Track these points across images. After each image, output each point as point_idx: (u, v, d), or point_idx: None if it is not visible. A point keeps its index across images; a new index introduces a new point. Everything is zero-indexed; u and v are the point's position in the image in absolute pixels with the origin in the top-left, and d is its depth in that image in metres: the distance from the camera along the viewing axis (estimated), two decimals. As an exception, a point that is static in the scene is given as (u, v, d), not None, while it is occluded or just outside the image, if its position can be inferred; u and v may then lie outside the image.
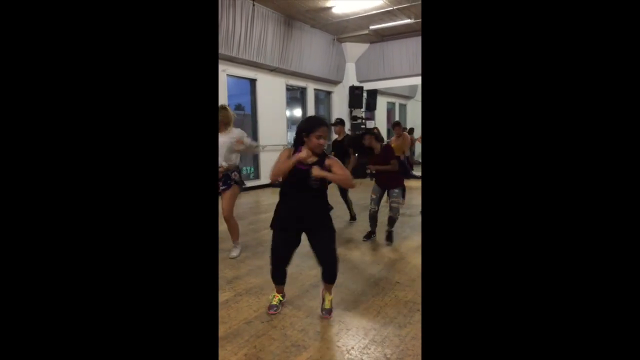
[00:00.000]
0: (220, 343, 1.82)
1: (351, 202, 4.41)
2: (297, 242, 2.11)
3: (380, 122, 9.92)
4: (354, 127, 8.74)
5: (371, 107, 9.23)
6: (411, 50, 8.44)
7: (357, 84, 9.23)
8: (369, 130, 3.59)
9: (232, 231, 3.13)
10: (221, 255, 3.19)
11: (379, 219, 3.60)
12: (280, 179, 2.03)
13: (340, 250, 3.32)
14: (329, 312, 2.11)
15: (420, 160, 6.24)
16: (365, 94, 9.11)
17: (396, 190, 3.43)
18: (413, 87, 11.18)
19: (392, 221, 3.49)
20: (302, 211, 2.02)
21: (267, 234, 2.28)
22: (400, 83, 9.14)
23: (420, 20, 6.98)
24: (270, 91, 7.59)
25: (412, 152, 6.34)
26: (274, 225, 2.09)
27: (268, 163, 6.05)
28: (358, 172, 5.61)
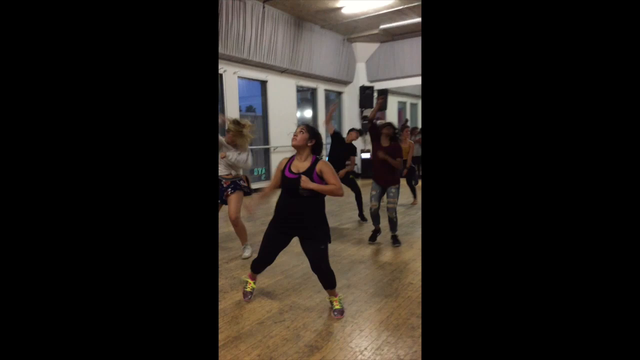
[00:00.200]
0: (234, 343, 1.83)
1: (362, 199, 4.44)
2: (285, 243, 2.16)
3: (391, 122, 9.84)
4: (364, 127, 8.71)
5: (382, 106, 9.17)
6: (422, 49, 8.36)
7: (367, 83, 9.20)
8: (390, 124, 3.55)
9: (240, 234, 3.17)
10: (232, 255, 3.22)
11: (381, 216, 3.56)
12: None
13: (351, 251, 3.33)
14: (341, 312, 2.11)
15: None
16: (375, 94, 9.07)
17: (393, 190, 3.41)
18: (424, 86, 11.07)
19: (393, 224, 3.44)
20: (294, 216, 2.04)
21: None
22: (411, 82, 9.07)
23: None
24: (281, 92, 7.62)
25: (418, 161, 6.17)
26: (270, 222, 2.17)
27: (279, 164, 6.07)
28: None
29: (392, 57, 8.93)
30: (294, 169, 2.02)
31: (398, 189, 3.46)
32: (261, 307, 2.24)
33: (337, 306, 2.12)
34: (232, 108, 6.47)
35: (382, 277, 2.69)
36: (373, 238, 3.58)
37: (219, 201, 3.13)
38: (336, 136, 4.55)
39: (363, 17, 7.25)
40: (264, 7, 6.47)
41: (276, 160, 7.40)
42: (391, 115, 10.32)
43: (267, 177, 7.60)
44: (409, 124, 7.29)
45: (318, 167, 1.98)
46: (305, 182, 1.91)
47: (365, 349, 1.77)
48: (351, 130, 4.68)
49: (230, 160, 3.02)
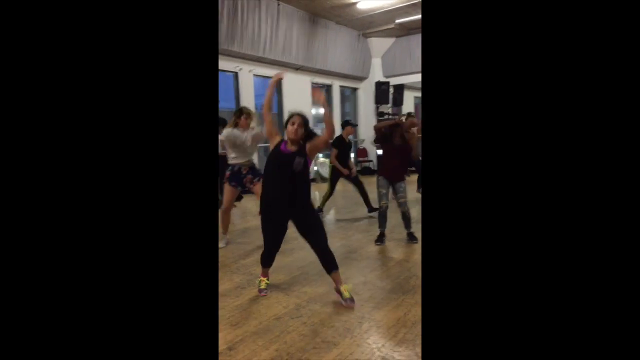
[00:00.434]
0: (251, 338, 1.85)
1: (367, 193, 4.46)
2: (285, 228, 2.26)
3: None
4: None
5: (398, 102, 9.08)
6: (439, 42, 8.22)
7: (383, 79, 9.10)
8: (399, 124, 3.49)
9: None
10: (249, 251, 3.26)
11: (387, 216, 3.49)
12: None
13: (367, 248, 3.31)
14: (351, 300, 2.14)
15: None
16: (391, 89, 8.98)
17: (402, 185, 3.37)
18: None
19: (407, 220, 3.37)
20: (286, 198, 2.14)
21: (294, 231, 2.30)
22: (427, 77, 8.92)
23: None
24: (296, 90, 7.63)
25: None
26: (261, 212, 2.24)
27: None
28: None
29: (409, 51, 8.80)
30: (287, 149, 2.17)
31: (405, 184, 3.44)
32: (278, 302, 2.26)
33: (347, 294, 2.14)
34: (247, 106, 6.51)
35: (400, 274, 2.67)
36: (380, 241, 3.42)
37: (238, 188, 3.18)
38: (338, 137, 4.50)
39: (378, 11, 7.17)
40: (278, 5, 6.48)
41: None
42: (408, 111, 10.19)
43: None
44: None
45: (308, 145, 2.17)
46: (322, 100, 2.27)
47: (383, 345, 1.76)
48: (347, 125, 4.56)
49: (258, 131, 3.16)
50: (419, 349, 1.72)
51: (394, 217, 3.82)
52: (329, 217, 4.71)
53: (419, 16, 7.39)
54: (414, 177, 6.58)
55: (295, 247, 3.18)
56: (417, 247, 3.31)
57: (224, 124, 4.25)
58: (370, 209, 4.47)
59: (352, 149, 4.76)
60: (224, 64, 6.14)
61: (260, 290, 2.37)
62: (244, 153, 3.16)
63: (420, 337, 1.82)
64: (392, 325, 1.94)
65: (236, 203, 4.92)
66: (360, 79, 9.20)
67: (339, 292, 2.18)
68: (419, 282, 2.51)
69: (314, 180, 7.91)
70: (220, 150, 5.22)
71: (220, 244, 3.33)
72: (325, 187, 4.82)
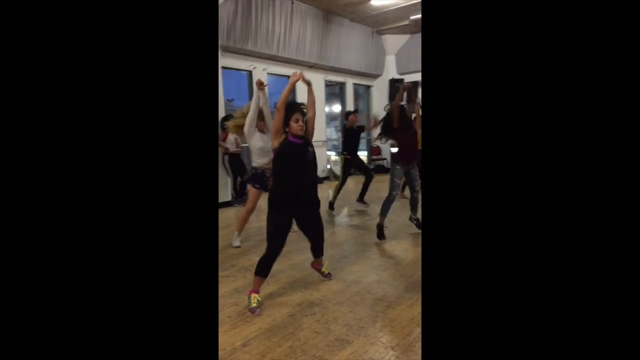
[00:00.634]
0: (266, 335, 1.87)
1: (367, 189, 4.75)
2: (290, 226, 2.23)
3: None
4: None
5: (412, 99, 8.98)
6: (454, 39, 8.09)
7: (397, 76, 9.02)
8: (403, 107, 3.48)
9: None
10: (264, 246, 3.27)
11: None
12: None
13: (380, 246, 3.30)
14: (329, 274, 2.56)
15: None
16: (405, 87, 8.87)
17: (417, 171, 3.43)
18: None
19: (416, 204, 3.49)
20: (302, 190, 2.15)
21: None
22: (442, 74, 8.80)
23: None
24: (310, 87, 7.62)
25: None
26: (269, 210, 2.16)
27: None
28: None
29: (423, 48, 8.69)
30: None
31: (417, 170, 3.47)
32: (292, 300, 2.27)
33: (325, 271, 2.54)
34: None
35: (413, 273, 2.65)
36: (382, 235, 3.38)
37: (262, 189, 3.22)
38: (349, 129, 4.70)
39: (392, 8, 7.10)
40: (292, 3, 6.49)
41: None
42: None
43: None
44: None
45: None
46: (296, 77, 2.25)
47: (397, 344, 1.76)
48: (350, 113, 4.79)
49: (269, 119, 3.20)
50: (433, 349, 1.70)
51: (402, 214, 3.78)
52: (342, 214, 4.71)
53: (434, 12, 7.28)
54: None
55: (309, 245, 3.19)
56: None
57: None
58: (361, 201, 4.78)
59: (364, 146, 4.92)
60: (238, 62, 6.19)
61: (252, 310, 2.08)
62: (267, 155, 3.21)
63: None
64: (406, 325, 1.93)
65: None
66: (374, 76, 9.13)
67: (319, 270, 2.53)
68: (433, 281, 2.49)
69: (327, 178, 7.91)
70: (234, 149, 5.30)
71: (236, 243, 3.38)
72: (337, 182, 4.83)
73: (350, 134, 4.69)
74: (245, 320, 2.03)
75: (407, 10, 7.26)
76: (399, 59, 9.15)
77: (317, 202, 2.27)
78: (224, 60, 5.72)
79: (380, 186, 6.00)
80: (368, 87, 9.31)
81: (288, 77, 7.29)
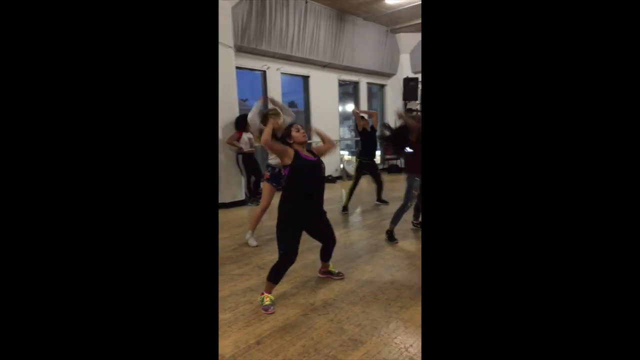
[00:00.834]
0: (279, 333, 1.88)
1: (382, 187, 4.90)
2: (300, 236, 2.25)
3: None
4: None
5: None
6: (470, 36, 7.96)
7: (411, 75, 8.93)
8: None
9: None
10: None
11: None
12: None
13: (393, 246, 3.27)
14: (340, 273, 2.59)
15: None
16: (420, 86, 8.79)
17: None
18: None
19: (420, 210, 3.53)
20: (315, 204, 2.25)
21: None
22: (458, 72, 8.67)
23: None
24: (323, 87, 7.63)
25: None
26: (283, 224, 2.19)
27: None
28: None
29: (438, 46, 8.57)
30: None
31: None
32: (305, 299, 2.28)
33: (335, 271, 2.58)
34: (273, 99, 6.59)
35: (428, 274, 2.62)
36: (393, 237, 3.40)
37: (279, 188, 3.25)
38: (362, 131, 4.72)
39: (407, 6, 7.03)
40: (306, 2, 6.49)
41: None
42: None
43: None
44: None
45: (314, 147, 2.35)
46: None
47: (411, 345, 1.74)
48: (362, 119, 4.79)
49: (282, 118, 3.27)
50: (448, 351, 1.68)
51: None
52: (355, 213, 4.69)
53: (450, 10, 7.18)
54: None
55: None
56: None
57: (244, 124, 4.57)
58: (380, 201, 4.94)
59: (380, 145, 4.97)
60: (252, 62, 6.23)
61: (265, 308, 2.11)
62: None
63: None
64: (419, 325, 1.91)
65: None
66: (388, 75, 9.06)
67: (328, 273, 2.58)
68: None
69: (340, 178, 7.90)
70: (247, 148, 5.33)
71: (252, 243, 3.40)
72: (350, 185, 4.82)
73: (365, 136, 4.71)
74: (259, 318, 2.05)
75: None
76: (414, 57, 9.05)
77: (324, 212, 2.37)
78: (238, 61, 5.77)
79: (395, 186, 5.95)
80: (382, 86, 9.25)
81: (301, 76, 7.31)
